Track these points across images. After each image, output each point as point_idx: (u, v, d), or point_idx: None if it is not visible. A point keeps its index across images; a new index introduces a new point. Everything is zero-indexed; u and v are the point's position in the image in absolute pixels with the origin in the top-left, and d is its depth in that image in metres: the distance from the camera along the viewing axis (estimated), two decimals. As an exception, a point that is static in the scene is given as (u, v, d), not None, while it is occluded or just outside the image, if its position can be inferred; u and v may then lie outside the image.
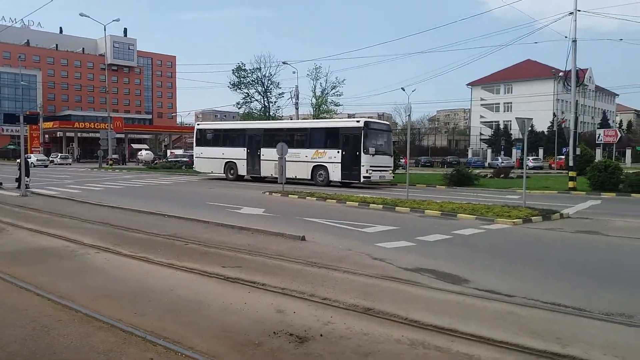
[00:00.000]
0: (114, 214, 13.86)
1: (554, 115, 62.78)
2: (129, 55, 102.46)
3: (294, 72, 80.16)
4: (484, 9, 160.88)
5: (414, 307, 5.75)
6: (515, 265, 8.20)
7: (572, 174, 23.22)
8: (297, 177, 24.72)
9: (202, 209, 14.77)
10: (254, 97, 55.69)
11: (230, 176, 27.93)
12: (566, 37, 23.88)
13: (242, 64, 54.47)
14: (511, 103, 74.70)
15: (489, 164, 53.99)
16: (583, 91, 72.14)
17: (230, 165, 27.91)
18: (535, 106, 59.86)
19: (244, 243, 9.53)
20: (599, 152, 49.84)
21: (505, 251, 9.55)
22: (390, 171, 24.94)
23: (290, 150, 23.47)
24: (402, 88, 57.31)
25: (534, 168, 45.06)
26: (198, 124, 33.13)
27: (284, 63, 47.94)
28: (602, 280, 7.22)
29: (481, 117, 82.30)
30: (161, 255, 8.49)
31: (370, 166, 22.95)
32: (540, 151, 58.01)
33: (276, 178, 25.23)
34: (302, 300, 6.01)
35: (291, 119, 41.07)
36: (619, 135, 56.89)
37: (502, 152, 59.99)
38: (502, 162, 49.95)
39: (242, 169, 27.42)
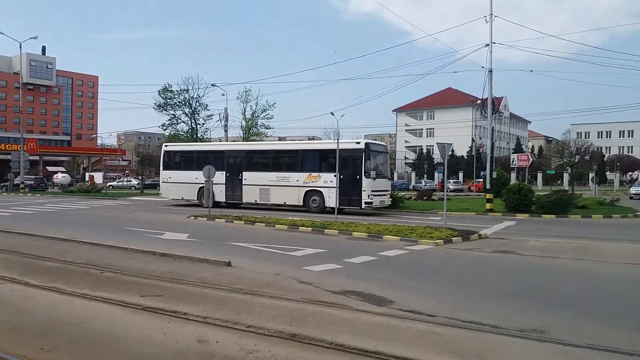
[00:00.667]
0: (23, 241, 12.85)
1: (473, 140, 66.47)
2: (47, 74, 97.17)
3: (223, 95, 79.58)
4: (409, 39, 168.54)
5: (339, 331, 5.73)
6: (436, 285, 8.43)
7: (489, 196, 24.52)
8: (287, 203, 23.12)
9: (121, 235, 14.06)
10: (180, 119, 54.49)
11: (204, 201, 24.17)
12: (483, 67, 25.49)
13: (169, 85, 53.38)
14: (433, 129, 78.27)
15: (413, 186, 55.88)
16: (499, 118, 77.03)
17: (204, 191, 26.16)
18: (456, 132, 63.11)
19: (165, 270, 9.14)
20: (513, 176, 53.09)
21: (427, 271, 9.82)
22: (389, 195, 23.74)
23: (278, 174, 22.77)
24: (331, 113, 58.26)
25: (454, 191, 47.20)
26: (166, 146, 29.59)
27: (212, 85, 47.37)
28: (516, 298, 7.57)
29: (406, 142, 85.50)
30: (74, 284, 7.94)
31: (372, 191, 21.47)
32: (461, 174, 61.01)
33: (261, 205, 23.95)
34: (225, 329, 5.81)
35: (220, 140, 39.61)
36: (531, 159, 61.17)
37: (425, 176, 62.46)
38: (425, 185, 51.92)
39: (220, 195, 24.80)
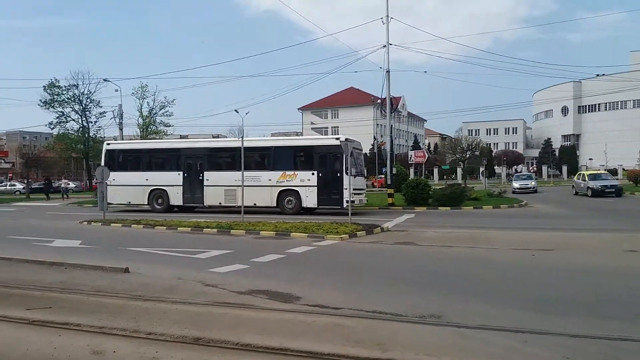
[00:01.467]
0: None
1: (375, 138, 68.87)
2: None
3: (116, 90, 74.85)
4: (310, 38, 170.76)
5: (246, 331, 5.63)
6: (342, 279, 8.61)
7: (390, 191, 25.62)
8: (257, 204, 21.35)
9: (4, 245, 12.77)
10: (69, 117, 50.58)
11: (158, 207, 22.96)
12: (381, 67, 26.47)
13: (56, 80, 49.24)
14: (338, 127, 79.95)
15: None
16: (397, 117, 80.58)
17: (157, 194, 23.10)
18: (359, 130, 64.94)
19: (55, 280, 8.44)
20: (412, 171, 55.86)
21: (333, 266, 9.99)
22: (365, 194, 22.97)
23: (247, 174, 19.77)
24: (235, 110, 57.68)
25: (359, 187, 48.59)
26: (108, 144, 25.69)
27: (105, 80, 44.33)
28: (416, 286, 7.95)
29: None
30: (-55, 303, 7.06)
31: (353, 189, 19.99)
32: (364, 171, 62.99)
33: (227, 207, 21.95)
34: (123, 338, 5.47)
35: (115, 139, 36.39)
36: (427, 155, 64.78)
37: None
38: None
39: (176, 198, 22.83)
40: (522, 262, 10.00)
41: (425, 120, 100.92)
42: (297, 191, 21.00)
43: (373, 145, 65.02)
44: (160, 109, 51.49)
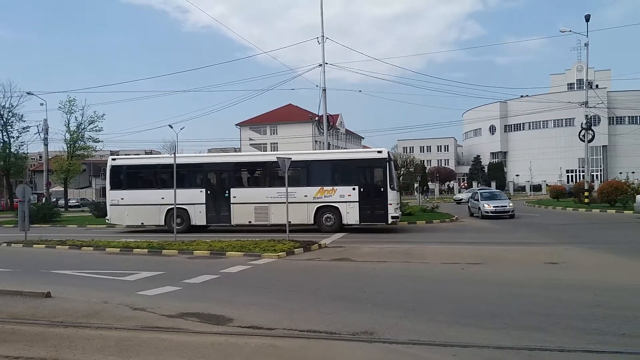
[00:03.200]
0: None
1: (313, 155, 69.48)
2: None
3: (41, 104, 71.22)
4: (249, 54, 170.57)
5: (174, 356, 5.45)
6: (278, 298, 8.52)
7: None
8: (292, 222, 19.33)
9: None
10: (-12, 131, 47.33)
11: (177, 227, 20.01)
12: (317, 85, 26.82)
13: (-28, 92, 46.05)
14: (277, 143, 79.93)
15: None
16: (335, 134, 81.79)
17: (176, 213, 20.54)
18: (298, 147, 65.06)
19: (-35, 308, 7.78)
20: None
21: (269, 285, 9.88)
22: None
23: (280, 190, 19.13)
24: (169, 125, 56.10)
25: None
26: (114, 159, 22.93)
27: (28, 93, 42.03)
28: (351, 303, 7.99)
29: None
30: None
31: (397, 204, 19.74)
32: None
33: (255, 225, 20.58)
34: (40, 369, 5.12)
35: (40, 156, 34.40)
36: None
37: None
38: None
39: (199, 217, 21.02)
40: (452, 276, 10.33)
41: (363, 138, 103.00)
42: (337, 207, 19.93)
43: (311, 161, 65.43)
44: (89, 124, 49.31)
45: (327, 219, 20.05)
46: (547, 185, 63.53)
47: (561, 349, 5.46)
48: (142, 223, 21.76)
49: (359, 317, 6.97)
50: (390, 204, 19.37)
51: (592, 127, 34.81)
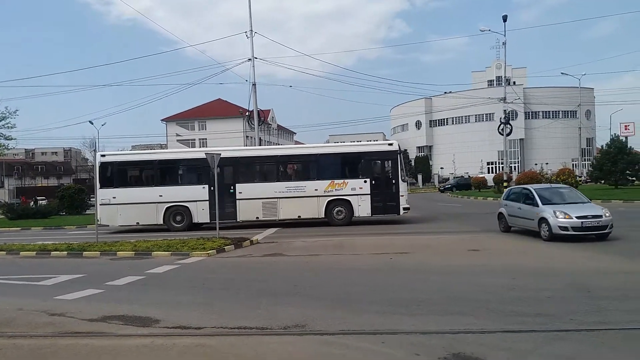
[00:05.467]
0: None
1: (244, 150, 68.63)
2: None
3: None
4: (176, 48, 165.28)
5: (96, 362, 5.15)
6: (207, 297, 8.31)
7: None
8: (302, 216, 19.80)
9: None
10: None
11: (176, 225, 19.88)
12: (247, 80, 26.48)
13: None
14: (206, 139, 78.23)
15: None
16: (267, 129, 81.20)
17: (175, 211, 20.02)
18: (228, 142, 64.23)
19: None
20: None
21: (198, 283, 9.61)
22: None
23: (288, 184, 19.21)
24: (90, 121, 53.27)
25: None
26: (103, 156, 21.05)
27: None
28: (282, 297, 7.94)
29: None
30: None
31: (407, 195, 19.89)
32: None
33: (264, 222, 20.15)
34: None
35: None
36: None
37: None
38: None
39: (201, 214, 19.99)
40: (381, 266, 10.56)
41: (295, 133, 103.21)
42: (349, 200, 19.79)
43: (243, 157, 64.60)
44: (0, 121, 45.69)
45: (338, 212, 19.90)
46: (469, 176, 66.79)
47: (482, 331, 5.73)
48: (138, 223, 20.59)
49: (291, 311, 6.95)
50: (402, 196, 19.68)
51: (510, 122, 36.86)
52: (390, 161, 20.10)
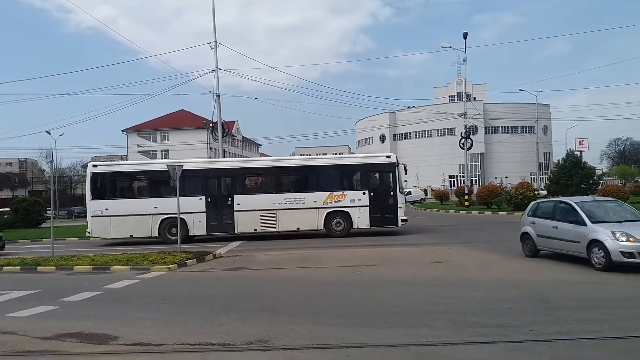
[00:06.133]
0: None
1: (209, 162, 67.78)
2: None
3: None
4: (139, 58, 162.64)
5: (48, 383, 4.91)
6: (168, 312, 8.09)
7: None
8: (301, 228, 19.62)
9: None
10: None
11: (172, 237, 19.02)
12: (210, 91, 26.27)
13: None
14: (168, 150, 76.94)
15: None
16: (232, 141, 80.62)
17: (171, 223, 19.25)
18: (191, 154, 63.36)
19: None
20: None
21: (159, 299, 9.35)
22: None
23: (287, 196, 19.35)
24: (47, 131, 51.61)
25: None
26: (95, 166, 20.55)
27: None
28: (245, 313, 7.79)
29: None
30: None
31: (404, 207, 19.94)
32: (198, 196, 61.25)
33: (261, 234, 19.80)
34: None
35: None
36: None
37: (162, 199, 60.72)
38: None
39: (198, 227, 19.51)
40: (346, 279, 10.56)
41: (260, 145, 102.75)
42: (348, 212, 19.75)
43: (206, 169, 63.86)
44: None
45: (337, 223, 19.87)
46: (432, 189, 67.96)
47: (445, 343, 5.78)
48: (131, 235, 19.78)
49: (254, 326, 6.84)
50: (400, 207, 19.83)
51: (471, 136, 37.79)
52: (388, 173, 20.30)
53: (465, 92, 44.66)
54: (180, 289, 10.41)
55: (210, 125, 31.60)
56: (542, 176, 73.53)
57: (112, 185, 20.23)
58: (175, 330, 6.79)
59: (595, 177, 42.91)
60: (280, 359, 5.54)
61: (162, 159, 77.75)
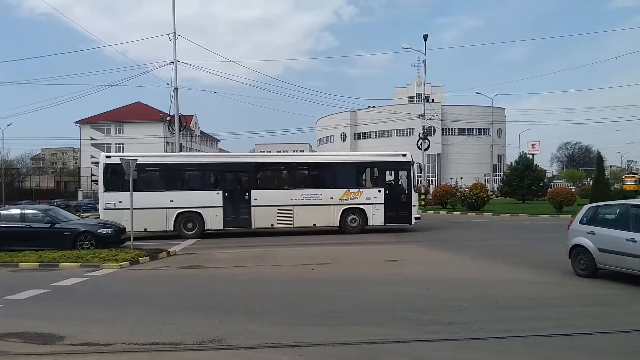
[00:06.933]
0: None
1: (164, 157, 66.31)
2: None
3: None
4: (94, 47, 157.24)
5: (-14, 387, 4.69)
6: (117, 311, 7.87)
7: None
8: (317, 224, 19.48)
9: None
10: None
11: (188, 232, 18.68)
12: (168, 84, 25.70)
13: None
14: (123, 144, 74.80)
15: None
16: (190, 136, 79.22)
17: (187, 217, 18.81)
18: (147, 148, 61.61)
19: None
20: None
21: (109, 297, 9.09)
22: None
23: (304, 192, 19.25)
24: (-9, 123, 49.18)
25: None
26: (108, 157, 19.60)
27: None
28: (199, 311, 7.69)
29: (92, 157, 79.12)
30: None
31: (418, 205, 20.03)
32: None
33: (278, 229, 19.72)
34: None
35: None
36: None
37: (116, 193, 59.09)
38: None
39: (215, 221, 19.01)
40: (301, 277, 10.58)
41: (219, 140, 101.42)
42: (363, 209, 19.69)
43: (163, 164, 62.56)
44: None
45: (352, 220, 19.84)
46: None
47: (398, 341, 5.88)
48: (145, 229, 19.05)
49: (207, 325, 6.75)
50: (414, 206, 20.09)
51: (428, 137, 38.62)
52: (404, 172, 20.49)
53: (424, 94, 45.59)
54: (132, 287, 10.16)
55: (168, 118, 30.92)
56: (495, 178, 75.89)
57: (124, 177, 19.22)
58: (125, 329, 6.62)
59: (545, 180, 44.80)
60: (233, 358, 5.50)
61: (116, 152, 75.45)
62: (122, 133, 77.91)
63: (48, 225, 14.66)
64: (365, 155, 25.98)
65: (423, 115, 38.68)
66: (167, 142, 70.05)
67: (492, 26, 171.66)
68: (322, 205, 19.60)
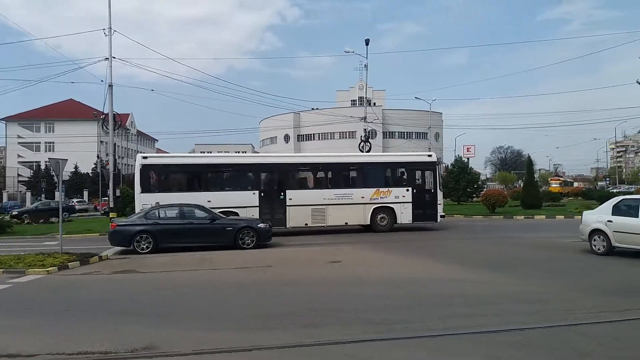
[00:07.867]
0: None
1: (98, 157, 63.54)
2: None
3: None
4: (22, 39, 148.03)
5: None
6: (43, 319, 7.41)
7: (112, 215, 23.74)
8: (349, 223, 20.10)
9: None
10: None
11: None
12: (102, 81, 24.58)
13: None
14: (54, 143, 71.03)
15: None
16: (125, 135, 76.36)
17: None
18: (80, 147, 58.99)
19: None
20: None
21: (34, 304, 8.56)
22: None
23: (337, 192, 19.88)
24: None
25: (80, 210, 43.84)
26: (145, 158, 19.38)
27: None
28: (130, 318, 7.36)
29: (19, 156, 74.51)
30: None
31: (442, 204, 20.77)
32: (86, 193, 57.18)
33: (313, 228, 19.90)
34: None
35: None
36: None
37: (44, 195, 55.86)
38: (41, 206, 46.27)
39: None
40: (241, 281, 10.39)
41: (157, 140, 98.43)
42: (392, 208, 20.35)
43: (96, 164, 59.80)
44: None
45: (381, 219, 20.39)
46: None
47: (350, 341, 5.86)
48: None
49: (140, 332, 6.47)
50: (440, 204, 20.83)
51: (370, 140, 39.19)
52: (430, 171, 21.21)
53: (366, 97, 46.24)
54: (60, 293, 9.61)
55: (102, 116, 29.53)
56: (433, 180, 78.03)
57: (162, 179, 19.48)
58: (51, 339, 6.24)
59: (479, 182, 46.66)
60: (167, 366, 5.28)
61: (46, 151, 71.63)
62: (53, 132, 73.91)
63: (209, 222, 15.40)
64: (393, 156, 27.38)
65: (365, 118, 39.26)
66: (101, 142, 67.18)
67: (435, 33, 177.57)
68: (354, 205, 20.20)
